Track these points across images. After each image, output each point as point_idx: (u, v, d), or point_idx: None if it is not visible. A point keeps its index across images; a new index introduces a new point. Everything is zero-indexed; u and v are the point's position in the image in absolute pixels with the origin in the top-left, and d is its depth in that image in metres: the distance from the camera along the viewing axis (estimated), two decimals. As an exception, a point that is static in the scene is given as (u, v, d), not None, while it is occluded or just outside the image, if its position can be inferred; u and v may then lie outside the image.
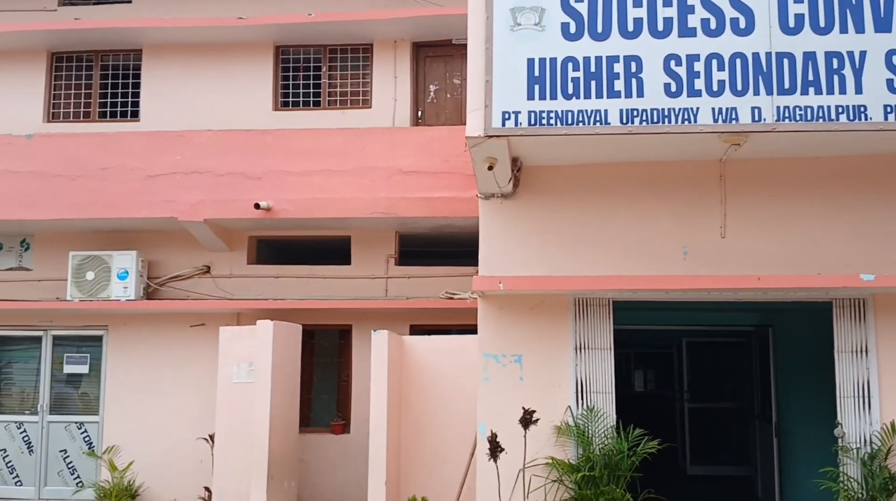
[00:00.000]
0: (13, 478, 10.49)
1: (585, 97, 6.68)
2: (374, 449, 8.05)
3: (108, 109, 10.93)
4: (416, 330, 10.14)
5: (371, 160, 9.88)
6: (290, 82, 10.75)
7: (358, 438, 9.99)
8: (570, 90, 6.70)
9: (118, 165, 9.96)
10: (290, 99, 10.73)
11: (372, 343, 8.33)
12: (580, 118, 6.67)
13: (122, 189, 9.91)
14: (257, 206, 9.62)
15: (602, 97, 6.67)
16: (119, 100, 10.93)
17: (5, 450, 10.55)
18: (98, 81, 10.97)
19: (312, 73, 10.76)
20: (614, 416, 7.54)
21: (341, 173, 9.90)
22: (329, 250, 10.91)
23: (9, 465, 10.52)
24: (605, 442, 7.36)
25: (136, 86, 10.86)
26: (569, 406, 7.53)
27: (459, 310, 9.68)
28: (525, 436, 7.24)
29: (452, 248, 11.10)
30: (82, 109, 10.90)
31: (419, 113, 10.67)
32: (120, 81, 10.97)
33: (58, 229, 10.46)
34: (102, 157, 10.02)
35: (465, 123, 6.90)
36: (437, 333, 9.40)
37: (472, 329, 8.80)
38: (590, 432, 7.40)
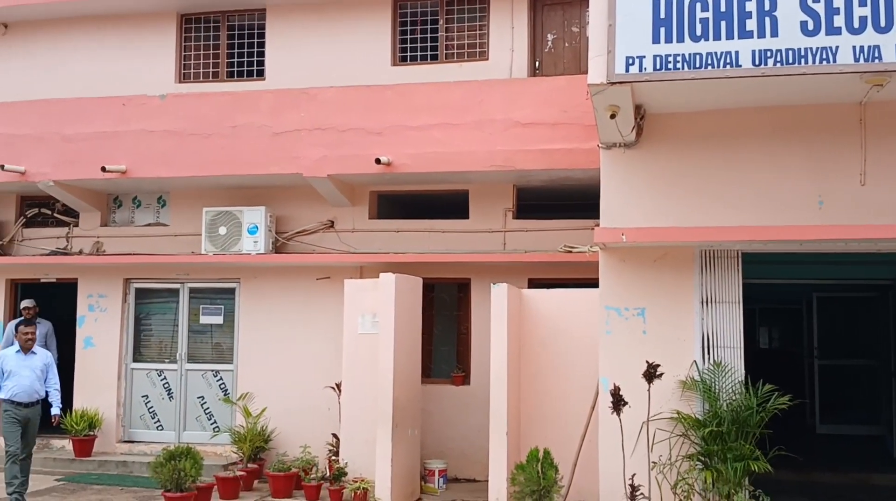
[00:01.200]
0: (155, 423, 11.21)
1: (715, 39, 6.41)
2: (495, 401, 8.14)
3: (236, 69, 11.28)
4: (534, 284, 10.12)
5: (489, 113, 9.83)
6: (408, 36, 10.77)
7: (477, 389, 10.11)
8: (699, 32, 6.43)
9: (247, 123, 10.29)
10: (408, 53, 10.76)
11: (492, 296, 8.38)
12: (709, 61, 6.40)
13: (250, 147, 10.24)
14: (378, 161, 9.77)
15: (733, 38, 6.39)
16: (245, 59, 11.25)
17: (147, 396, 11.26)
18: (225, 41, 11.31)
19: (430, 26, 10.74)
20: (742, 371, 7.33)
21: (459, 127, 9.89)
22: (447, 204, 10.98)
23: (151, 410, 11.23)
24: (733, 398, 7.18)
25: (262, 45, 11.13)
26: (694, 361, 7.38)
27: (577, 264, 9.58)
28: (649, 390, 7.15)
29: (570, 201, 10.96)
30: (211, 69, 11.30)
31: (536, 63, 10.50)
32: (246, 40, 11.27)
33: (192, 185, 10.96)
34: (232, 115, 10.37)
35: (583, 73, 6.78)
36: (555, 287, 9.35)
37: (590, 283, 8.73)
38: (716, 387, 7.23)
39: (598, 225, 7.69)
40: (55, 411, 8.66)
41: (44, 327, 11.00)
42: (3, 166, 10.54)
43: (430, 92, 10.10)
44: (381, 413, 8.56)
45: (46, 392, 8.62)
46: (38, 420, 8.55)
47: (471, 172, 9.96)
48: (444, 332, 11.00)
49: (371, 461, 8.60)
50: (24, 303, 11.09)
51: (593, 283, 8.34)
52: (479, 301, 10.31)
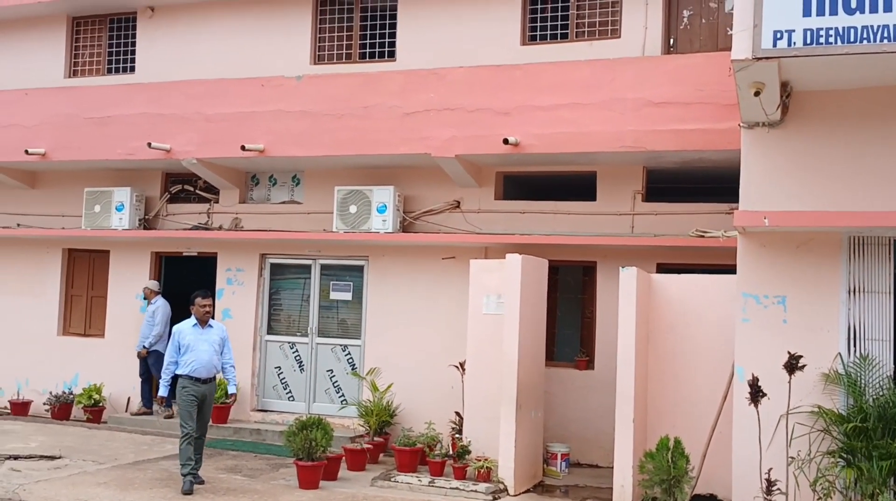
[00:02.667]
0: (287, 394, 11.63)
1: (871, 11, 6.01)
2: (622, 386, 7.99)
3: (367, 50, 11.47)
4: (663, 268, 9.86)
5: (619, 92, 9.60)
6: (538, 15, 10.64)
7: (601, 374, 9.97)
8: (853, 4, 6.04)
9: (378, 103, 10.46)
10: (538, 32, 10.64)
11: (620, 280, 8.20)
12: (864, 35, 6.01)
13: (381, 127, 10.41)
14: (506, 141, 9.72)
15: (891, 10, 5.96)
16: (377, 41, 11.42)
17: (280, 368, 11.69)
18: (358, 23, 11.52)
19: (560, 4, 10.58)
20: (892, 366, 6.90)
21: (588, 107, 9.71)
22: (574, 185, 10.83)
23: (283, 381, 11.66)
24: (880, 393, 6.77)
25: (393, 26, 11.28)
26: (838, 353, 6.99)
27: (709, 249, 9.27)
28: (789, 382, 6.83)
29: (703, 184, 10.59)
30: (344, 51, 11.53)
31: (671, 41, 10.16)
32: (378, 22, 11.45)
33: (324, 165, 11.25)
34: (364, 96, 10.55)
35: (721, 50, 6.47)
36: (684, 272, 9.07)
37: (722, 270, 8.42)
38: (862, 381, 6.84)
39: (733, 209, 7.38)
40: (232, 389, 8.56)
41: (155, 305, 11.69)
42: (150, 144, 11.13)
43: (559, 71, 9.95)
44: (504, 394, 8.56)
45: (222, 368, 8.38)
46: (213, 398, 8.44)
47: (599, 153, 9.77)
48: (567, 315, 10.88)
49: (493, 440, 8.63)
50: (148, 285, 11.74)
51: (724, 269, 8.03)
52: (605, 285, 10.14)
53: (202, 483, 8.13)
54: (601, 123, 9.62)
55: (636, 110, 9.50)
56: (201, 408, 8.13)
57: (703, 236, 9.32)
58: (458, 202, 10.90)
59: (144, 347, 11.58)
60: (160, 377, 11.31)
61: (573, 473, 9.55)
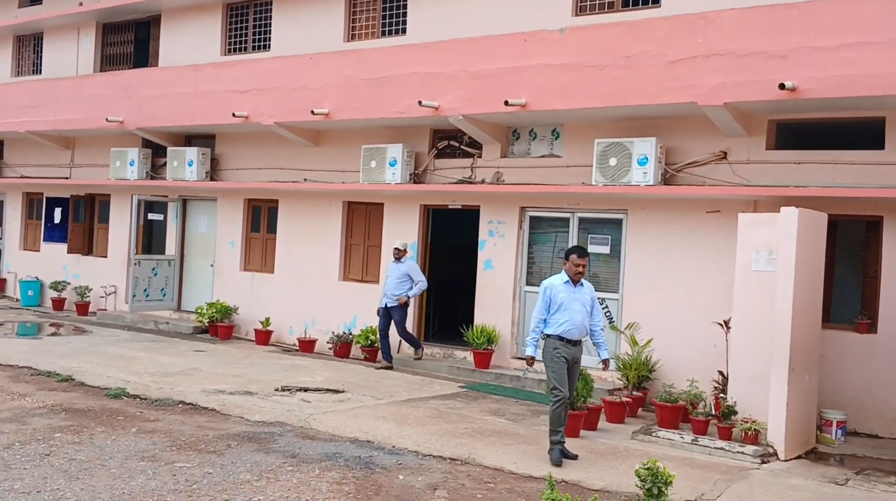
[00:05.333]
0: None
1: None
2: (913, 352, 7.31)
3: (630, -2, 11.21)
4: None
5: (912, 29, 8.60)
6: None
7: (885, 338, 9.21)
8: None
9: (641, 52, 10.20)
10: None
11: (914, 236, 7.45)
12: None
13: (644, 76, 10.16)
14: (782, 86, 9.10)
15: None
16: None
17: (538, 317, 11.97)
18: (621, -30, 11.27)
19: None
20: None
21: (875, 46, 8.80)
22: (856, 133, 9.92)
23: (541, 330, 11.94)
24: None
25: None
26: None
27: None
28: None
29: None
30: (607, 0, 11.34)
31: None
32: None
33: (584, 117, 11.23)
34: (626, 45, 10.34)
35: None
36: None
37: None
38: None
39: None
40: (604, 355, 7.94)
41: (406, 265, 12.14)
42: (420, 102, 11.72)
43: (841, 8, 9.09)
44: (776, 355, 8.17)
45: (591, 331, 7.82)
46: (580, 362, 7.86)
47: (889, 96, 8.85)
48: (846, 274, 10.09)
49: (761, 402, 8.29)
50: (396, 244, 12.25)
51: None
52: (892, 242, 9.27)
53: (575, 457, 7.46)
54: (890, 63, 8.70)
55: (931, 48, 8.48)
56: (570, 372, 7.64)
57: None
58: (725, 153, 10.42)
59: (407, 295, 12.10)
60: (404, 335, 12.16)
61: (849, 442, 8.95)
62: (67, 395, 9.42)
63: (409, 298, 12.16)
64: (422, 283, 12.18)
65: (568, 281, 7.65)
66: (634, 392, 9.98)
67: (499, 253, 12.19)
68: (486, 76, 11.44)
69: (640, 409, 9.92)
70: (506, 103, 11.03)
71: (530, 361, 7.73)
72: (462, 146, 12.76)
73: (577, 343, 7.63)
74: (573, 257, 7.66)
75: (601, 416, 9.12)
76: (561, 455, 7.36)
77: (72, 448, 7.16)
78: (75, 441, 7.38)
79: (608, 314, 11.28)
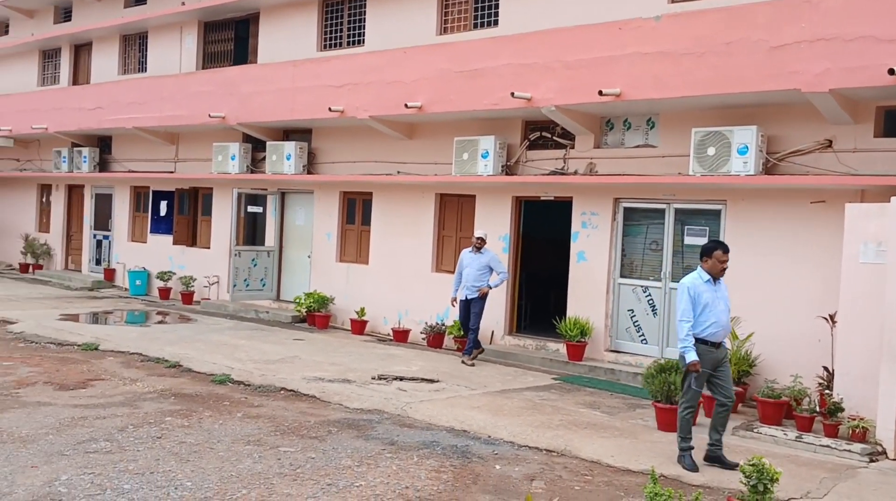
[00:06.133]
0: (639, 336, 11.76)
1: None
2: None
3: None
4: None
5: None
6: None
7: None
8: None
9: (741, 39, 9.92)
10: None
11: None
12: None
13: (744, 63, 9.88)
14: (891, 72, 8.70)
15: None
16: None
17: (633, 310, 11.83)
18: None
19: None
20: None
21: None
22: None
23: (635, 324, 11.80)
24: None
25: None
26: None
27: None
28: None
29: None
30: (705, -13, 11.09)
31: None
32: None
33: (681, 106, 11.00)
34: (726, 32, 10.06)
35: None
36: None
37: None
38: None
39: None
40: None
41: (486, 256, 11.90)
42: (513, 94, 11.72)
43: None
44: (886, 350, 7.86)
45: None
46: (729, 358, 7.43)
47: None
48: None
49: (869, 399, 8.01)
50: (478, 233, 12.07)
51: None
52: None
53: (733, 467, 6.63)
54: None
55: None
56: (721, 373, 7.19)
57: None
58: (830, 141, 10.05)
59: (489, 286, 11.86)
60: (476, 329, 11.76)
61: (965, 443, 8.53)
62: (176, 380, 9.87)
63: (490, 288, 11.92)
64: (504, 274, 12.02)
65: (709, 279, 7.18)
66: (734, 388, 9.75)
67: (592, 245, 12.09)
68: (579, 66, 11.34)
69: (739, 404, 9.69)
70: (600, 93, 10.91)
71: (695, 366, 7.00)
72: (554, 137, 12.69)
73: (719, 345, 7.15)
74: (718, 253, 7.17)
75: (700, 411, 8.95)
76: (693, 460, 7.02)
77: (181, 431, 7.51)
78: (185, 425, 7.73)
79: (705, 306, 11.04)
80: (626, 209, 11.93)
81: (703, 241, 11.08)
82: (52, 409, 8.12)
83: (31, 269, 22.26)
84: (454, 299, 12.12)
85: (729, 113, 10.72)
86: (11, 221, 23.76)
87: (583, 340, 11.72)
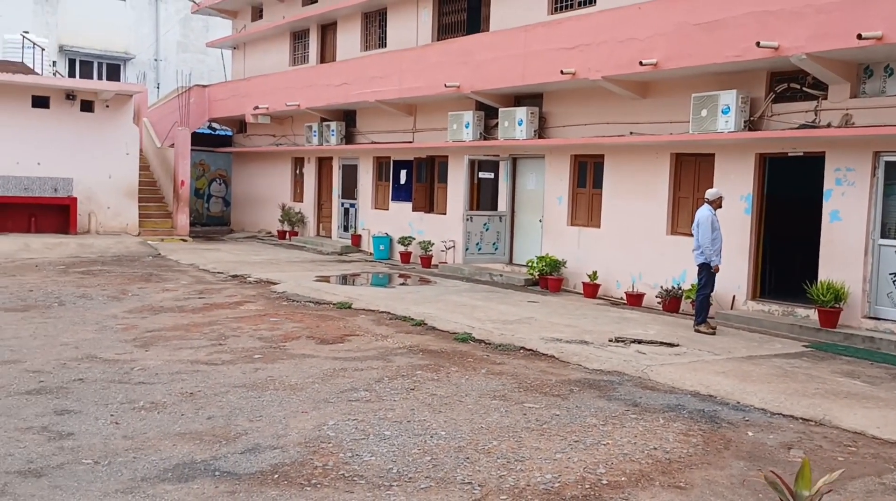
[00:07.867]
0: (905, 301, 10.78)
1: None
2: None
3: None
4: None
5: None
6: None
7: None
8: None
9: None
10: None
11: None
12: None
13: None
14: None
15: None
16: None
17: (895, 275, 10.84)
18: None
19: None
20: None
21: None
22: None
23: (900, 287, 10.83)
24: None
25: None
26: None
27: None
28: None
29: None
30: None
31: None
32: None
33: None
34: None
35: None
36: None
37: None
38: None
39: None
40: None
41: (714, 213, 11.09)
42: (758, 43, 11.03)
43: None
44: None
45: None
46: None
47: None
48: None
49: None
50: (712, 191, 11.30)
51: None
52: None
53: None
54: None
55: None
56: None
57: None
58: None
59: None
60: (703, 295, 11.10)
61: None
62: (422, 337, 10.43)
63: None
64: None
65: None
66: None
67: (847, 203, 11.19)
68: (833, 9, 10.43)
69: None
70: (859, 37, 9.99)
71: None
72: (804, 88, 11.80)
73: None
74: None
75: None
76: None
77: (432, 384, 7.95)
78: (434, 379, 8.17)
79: None
80: (887, 163, 10.89)
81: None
82: (316, 361, 8.89)
83: (287, 235, 24.36)
84: (718, 268, 11.26)
85: None
86: (270, 192, 26.08)
87: (837, 305, 10.92)
